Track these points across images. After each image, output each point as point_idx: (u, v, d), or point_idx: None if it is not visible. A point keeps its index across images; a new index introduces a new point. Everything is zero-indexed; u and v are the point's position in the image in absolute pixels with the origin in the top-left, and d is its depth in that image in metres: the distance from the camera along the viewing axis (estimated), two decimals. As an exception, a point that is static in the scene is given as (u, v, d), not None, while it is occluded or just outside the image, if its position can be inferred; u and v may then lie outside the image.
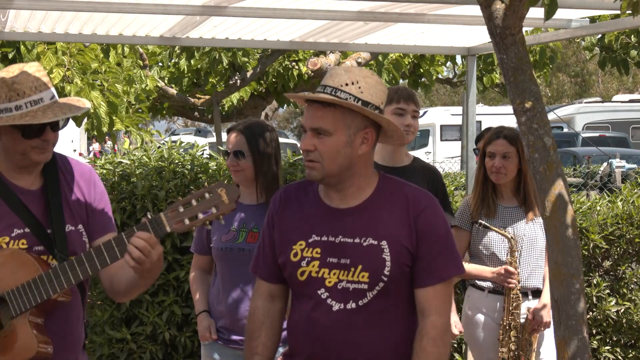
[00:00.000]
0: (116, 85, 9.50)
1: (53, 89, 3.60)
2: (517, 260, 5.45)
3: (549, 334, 5.45)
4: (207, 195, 3.43)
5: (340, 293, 3.46)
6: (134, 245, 3.40)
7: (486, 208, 5.54)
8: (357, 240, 3.47)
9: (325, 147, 3.42)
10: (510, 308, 5.43)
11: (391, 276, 3.45)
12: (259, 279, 3.68)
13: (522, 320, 5.47)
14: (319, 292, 3.48)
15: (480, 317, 5.55)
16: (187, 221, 3.42)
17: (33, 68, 3.58)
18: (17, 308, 3.52)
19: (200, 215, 3.42)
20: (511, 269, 5.39)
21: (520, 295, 5.44)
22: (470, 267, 5.55)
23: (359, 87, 3.40)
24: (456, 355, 7.82)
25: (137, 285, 3.67)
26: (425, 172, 5.27)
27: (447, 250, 3.53)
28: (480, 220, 5.49)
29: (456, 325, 5.34)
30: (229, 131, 4.92)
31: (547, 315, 5.38)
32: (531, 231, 5.51)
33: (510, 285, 5.40)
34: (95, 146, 33.18)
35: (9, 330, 3.55)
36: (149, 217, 3.45)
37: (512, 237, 5.42)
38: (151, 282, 3.68)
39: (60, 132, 3.68)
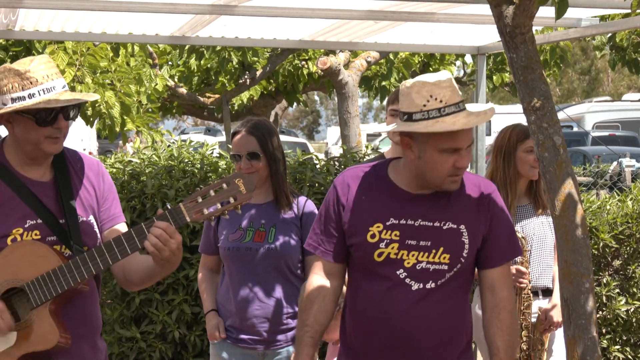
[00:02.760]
0: (129, 85, 9.51)
1: (63, 79, 3.66)
2: (528, 260, 5.44)
3: (560, 334, 5.44)
4: (224, 185, 3.51)
5: (420, 273, 3.64)
6: (152, 233, 3.47)
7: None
8: (437, 224, 3.65)
9: (470, 155, 3.68)
10: (522, 308, 5.41)
11: (468, 258, 3.69)
12: (319, 259, 3.79)
13: (534, 320, 5.46)
14: (398, 272, 3.63)
15: None
16: (205, 211, 3.50)
17: (44, 59, 3.66)
18: (38, 299, 3.55)
19: (219, 205, 3.50)
20: (522, 268, 5.37)
21: (531, 294, 5.43)
22: None
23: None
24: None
25: (154, 275, 3.74)
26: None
27: (511, 232, 3.83)
28: None
29: None
30: (234, 134, 4.89)
31: (559, 314, 5.36)
32: (540, 230, 5.49)
33: (522, 285, 5.39)
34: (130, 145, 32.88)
35: (29, 321, 3.58)
36: (169, 207, 3.51)
37: (522, 237, 5.40)
38: (169, 272, 3.74)
39: (70, 130, 3.72)
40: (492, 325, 3.73)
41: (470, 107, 3.63)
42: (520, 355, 5.42)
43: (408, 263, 3.62)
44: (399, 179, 3.70)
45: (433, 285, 3.65)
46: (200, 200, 3.49)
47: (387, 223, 3.62)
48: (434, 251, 3.63)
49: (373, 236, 3.62)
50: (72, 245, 3.63)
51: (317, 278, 3.79)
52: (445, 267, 3.65)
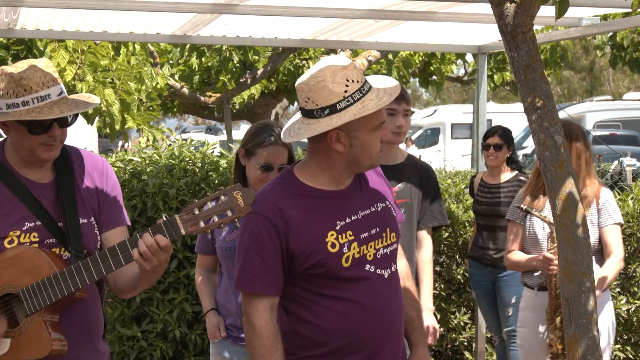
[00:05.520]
0: (128, 83, 9.52)
1: (62, 85, 3.59)
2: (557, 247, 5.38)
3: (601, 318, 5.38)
4: (222, 198, 3.43)
5: (383, 260, 3.63)
6: (144, 241, 3.42)
7: (537, 200, 5.52)
8: (373, 209, 3.65)
9: None
10: (553, 294, 5.36)
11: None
12: (261, 296, 3.55)
13: None
14: (366, 268, 3.58)
15: (530, 315, 5.53)
16: (202, 224, 3.43)
17: (42, 64, 3.58)
18: (32, 306, 3.52)
19: (216, 218, 3.43)
20: (549, 255, 5.33)
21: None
22: (513, 256, 5.56)
23: None
24: (467, 354, 7.82)
25: (139, 283, 3.69)
26: (419, 170, 5.40)
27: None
28: (521, 205, 5.49)
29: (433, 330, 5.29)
30: (269, 143, 4.78)
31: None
32: None
33: (552, 272, 5.35)
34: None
35: (23, 328, 3.56)
36: (164, 218, 3.46)
37: (551, 222, 5.37)
38: (152, 282, 3.70)
39: (70, 129, 3.69)
40: (405, 293, 3.82)
41: (369, 79, 3.59)
42: (556, 343, 5.33)
43: (370, 256, 3.58)
44: (317, 182, 3.59)
45: (394, 267, 3.69)
46: (197, 212, 3.43)
47: (337, 227, 3.54)
48: (384, 234, 3.64)
49: (333, 245, 3.52)
50: (71, 250, 3.62)
51: (268, 316, 3.54)
52: (396, 246, 3.71)
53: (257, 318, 3.55)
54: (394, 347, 3.68)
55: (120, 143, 31.58)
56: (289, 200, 3.55)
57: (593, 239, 5.40)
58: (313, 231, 3.52)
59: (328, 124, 3.44)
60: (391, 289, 3.65)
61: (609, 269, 5.41)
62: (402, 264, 3.91)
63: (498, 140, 7.15)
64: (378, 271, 3.59)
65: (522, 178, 7.16)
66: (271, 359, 3.53)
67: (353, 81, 3.46)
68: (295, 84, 3.56)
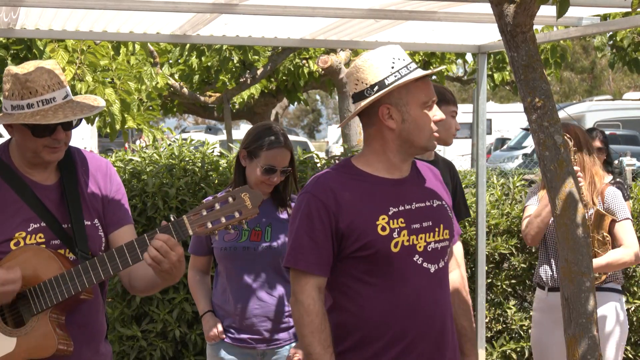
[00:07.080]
0: (128, 82, 9.51)
1: (68, 88, 3.60)
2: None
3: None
4: (230, 199, 3.46)
5: (432, 254, 3.64)
6: (152, 245, 3.43)
7: None
8: (428, 204, 3.68)
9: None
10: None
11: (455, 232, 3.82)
12: (308, 274, 3.56)
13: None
14: (414, 258, 3.59)
15: (542, 317, 5.55)
16: (209, 225, 3.45)
17: (49, 66, 3.58)
18: (39, 305, 3.53)
19: (223, 220, 3.45)
20: None
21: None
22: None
23: None
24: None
25: (155, 285, 3.71)
26: (448, 165, 5.57)
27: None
28: None
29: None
30: (273, 146, 4.79)
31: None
32: None
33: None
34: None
35: (30, 327, 3.56)
36: (172, 219, 3.47)
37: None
38: (170, 283, 3.69)
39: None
40: (454, 305, 3.84)
41: None
42: None
43: (420, 247, 3.59)
44: (372, 168, 3.65)
45: (442, 264, 3.69)
46: (204, 213, 3.46)
47: (390, 213, 3.57)
48: (436, 229, 3.65)
49: (383, 229, 3.54)
50: (77, 252, 3.62)
51: (316, 295, 3.57)
52: (447, 243, 3.71)
53: (305, 296, 3.56)
54: (438, 342, 3.67)
55: (138, 142, 31.69)
56: (343, 182, 3.60)
57: None
58: (364, 212, 3.56)
59: (375, 98, 3.54)
60: (436, 285, 3.65)
61: (610, 255, 5.42)
62: (455, 275, 3.92)
63: (599, 144, 6.76)
64: (425, 264, 3.61)
65: (619, 180, 6.53)
66: (321, 336, 3.56)
67: (399, 59, 3.62)
68: (345, 74, 3.68)
